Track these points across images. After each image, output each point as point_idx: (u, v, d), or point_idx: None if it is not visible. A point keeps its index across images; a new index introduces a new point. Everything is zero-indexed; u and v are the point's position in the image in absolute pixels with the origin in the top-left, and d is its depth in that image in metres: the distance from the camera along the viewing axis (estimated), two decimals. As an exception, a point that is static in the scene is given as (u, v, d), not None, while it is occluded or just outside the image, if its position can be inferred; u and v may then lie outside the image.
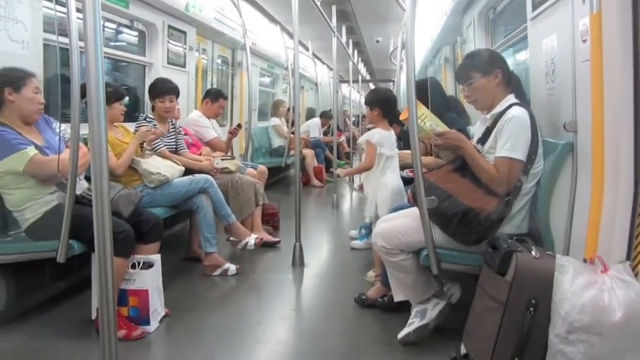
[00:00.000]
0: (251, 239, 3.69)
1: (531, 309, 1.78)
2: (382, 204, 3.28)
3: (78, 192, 2.54)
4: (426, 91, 2.40)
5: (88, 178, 2.83)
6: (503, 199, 2.21)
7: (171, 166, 3.50)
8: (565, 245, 2.10)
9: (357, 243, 4.17)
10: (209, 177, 3.54)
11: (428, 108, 2.41)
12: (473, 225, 2.19)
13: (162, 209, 3.36)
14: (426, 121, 2.42)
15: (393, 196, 3.31)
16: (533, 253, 1.89)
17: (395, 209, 3.13)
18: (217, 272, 3.47)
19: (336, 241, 4.63)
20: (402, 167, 3.56)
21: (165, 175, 3.38)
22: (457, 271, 2.36)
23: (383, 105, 3.39)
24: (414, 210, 2.39)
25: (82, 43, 2.01)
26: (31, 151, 2.47)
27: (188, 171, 3.67)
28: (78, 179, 2.57)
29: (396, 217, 2.66)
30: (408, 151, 3.50)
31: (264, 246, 4.11)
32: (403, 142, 4.12)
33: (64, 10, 2.14)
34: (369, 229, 3.94)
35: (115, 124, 3.34)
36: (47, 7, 2.98)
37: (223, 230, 3.76)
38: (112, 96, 3.18)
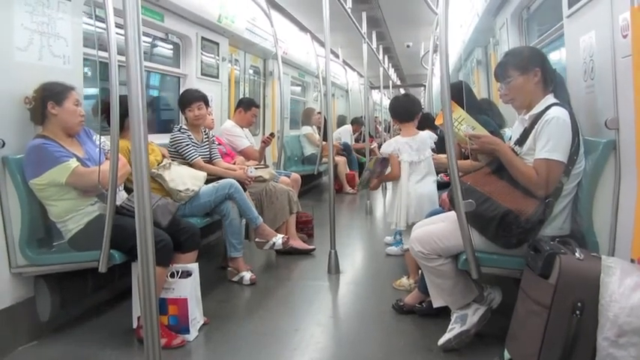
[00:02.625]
0: (278, 239, 3.70)
1: (577, 312, 1.74)
2: (413, 211, 3.22)
3: (118, 202, 2.60)
4: (459, 93, 2.38)
5: (127, 189, 2.90)
6: (544, 200, 2.17)
7: (195, 177, 3.48)
8: (610, 246, 2.05)
9: (393, 249, 4.14)
10: (233, 182, 3.53)
11: (463, 109, 2.39)
12: (513, 227, 2.16)
13: (198, 218, 3.40)
14: (463, 123, 2.40)
15: (423, 202, 3.22)
16: (577, 254, 1.84)
17: (429, 214, 3.11)
18: (235, 278, 3.52)
19: (370, 247, 4.61)
20: (437, 172, 3.53)
21: (194, 189, 3.38)
22: (497, 275, 2.33)
23: (399, 113, 3.38)
24: (451, 214, 2.37)
25: (120, 57, 2.08)
26: (73, 163, 2.54)
27: (221, 179, 3.70)
28: (118, 190, 2.64)
29: (432, 221, 2.64)
30: (443, 155, 3.46)
31: (299, 254, 4.14)
32: (438, 145, 4.10)
33: (104, 25, 2.21)
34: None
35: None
36: (87, 24, 3.08)
37: (253, 235, 3.76)
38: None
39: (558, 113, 2.17)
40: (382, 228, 5.37)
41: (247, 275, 3.50)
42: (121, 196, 2.80)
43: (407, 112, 3.37)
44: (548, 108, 2.23)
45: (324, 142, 7.08)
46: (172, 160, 3.54)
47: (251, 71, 6.74)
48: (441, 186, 3.56)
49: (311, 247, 4.26)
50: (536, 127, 2.22)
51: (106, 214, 2.32)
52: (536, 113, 2.27)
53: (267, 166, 4.48)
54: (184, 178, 3.42)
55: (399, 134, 3.46)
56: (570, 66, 2.52)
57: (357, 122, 9.86)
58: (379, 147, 10.17)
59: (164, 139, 3.95)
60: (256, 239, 3.75)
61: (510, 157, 2.26)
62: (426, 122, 4.21)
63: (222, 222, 3.53)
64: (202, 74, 4.91)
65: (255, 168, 4.11)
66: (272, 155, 6.58)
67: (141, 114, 1.63)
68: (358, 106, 12.28)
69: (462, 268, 2.32)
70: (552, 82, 2.33)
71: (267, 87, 7.09)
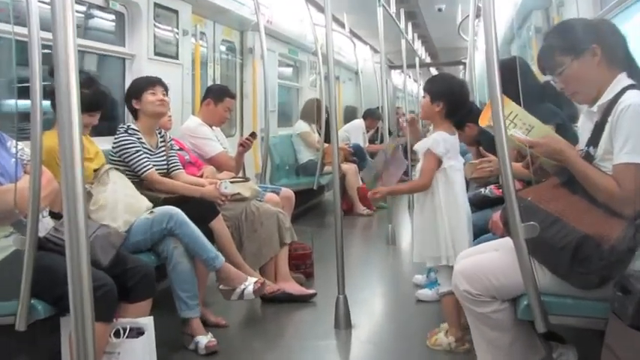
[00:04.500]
0: (249, 285, 3.61)
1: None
2: (459, 237, 3.22)
3: (41, 234, 2.58)
4: (512, 75, 2.38)
5: (54, 215, 2.89)
6: (633, 221, 2.16)
7: (131, 208, 3.43)
8: None
9: (426, 293, 4.14)
10: (174, 210, 3.45)
11: (518, 102, 2.39)
12: (592, 260, 2.15)
13: (152, 254, 3.40)
14: (516, 121, 2.39)
15: (469, 224, 3.28)
16: (683, 296, 1.83)
17: (477, 240, 3.11)
18: (191, 346, 3.41)
19: (394, 290, 4.60)
20: (485, 183, 3.52)
21: (124, 230, 3.31)
22: (572, 327, 2.32)
23: (450, 99, 3.34)
24: (507, 241, 2.36)
25: (44, 34, 2.09)
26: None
27: (184, 200, 3.70)
28: (41, 216, 2.63)
29: (482, 250, 2.64)
30: (489, 158, 3.46)
31: (294, 301, 4.13)
32: (485, 146, 4.10)
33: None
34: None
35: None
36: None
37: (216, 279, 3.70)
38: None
39: (636, 99, 2.18)
40: (410, 263, 5.34)
41: (203, 341, 3.37)
42: (46, 224, 2.79)
43: (464, 105, 3.42)
44: (621, 93, 2.23)
45: (326, 145, 7.09)
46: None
47: (223, 48, 6.78)
48: (491, 202, 3.56)
49: (310, 291, 4.25)
50: (610, 119, 2.22)
51: (25, 250, 2.31)
52: (607, 102, 2.27)
53: (247, 179, 4.49)
54: (117, 209, 3.36)
55: (428, 130, 3.47)
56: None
57: (371, 115, 9.90)
58: (404, 149, 10.21)
59: (104, 144, 3.95)
60: (220, 286, 3.67)
61: (581, 167, 2.27)
62: (468, 115, 4.22)
63: (166, 268, 3.44)
64: (156, 54, 4.93)
65: (231, 182, 4.12)
66: (254, 164, 6.58)
67: (74, 110, 1.64)
68: (373, 93, 12.29)
69: (522, 318, 2.31)
70: (623, 57, 2.33)
71: (245, 69, 7.14)
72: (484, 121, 2.44)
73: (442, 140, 3.28)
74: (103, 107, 3.50)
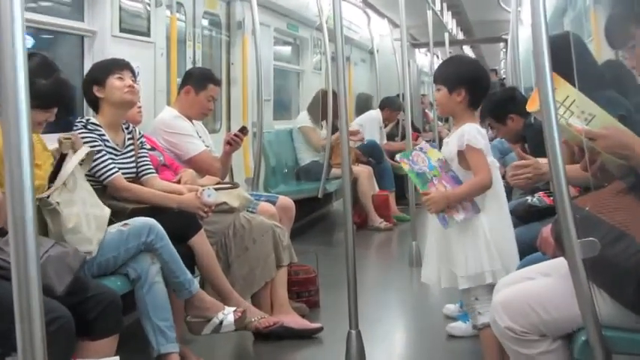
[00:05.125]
0: (227, 315, 3.62)
1: None
2: (506, 248, 3.23)
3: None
4: (564, 55, 2.38)
5: (-2, 231, 2.91)
6: None
7: (96, 217, 3.39)
8: None
9: (459, 326, 4.15)
10: (152, 221, 3.47)
11: (573, 84, 2.39)
12: (667, 286, 2.15)
13: (119, 279, 3.39)
14: (573, 108, 2.39)
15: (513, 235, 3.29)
16: None
17: (522, 263, 3.10)
18: None
19: (419, 323, 4.60)
20: (533, 189, 3.52)
21: (96, 247, 3.29)
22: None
23: (472, 84, 3.34)
24: (559, 262, 2.36)
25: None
26: None
27: (158, 211, 3.70)
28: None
29: (527, 275, 2.65)
30: (539, 160, 3.45)
31: (295, 337, 4.13)
32: (531, 144, 4.10)
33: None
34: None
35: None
36: None
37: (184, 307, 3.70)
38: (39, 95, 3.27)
39: None
40: (440, 290, 5.34)
41: None
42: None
43: (485, 91, 3.45)
44: None
45: (333, 139, 7.03)
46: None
47: (206, 22, 6.78)
48: (541, 214, 3.56)
49: (315, 325, 4.25)
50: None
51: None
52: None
53: (235, 186, 4.50)
54: (90, 226, 3.32)
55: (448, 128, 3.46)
56: None
57: (390, 106, 9.88)
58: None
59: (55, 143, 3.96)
60: (188, 317, 3.67)
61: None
62: (511, 104, 4.23)
63: (135, 292, 3.42)
64: (122, 30, 4.93)
65: (216, 189, 4.12)
66: (244, 166, 6.59)
67: (21, 100, 1.64)
68: (392, 77, 12.28)
69: (579, 358, 2.31)
70: None
71: (233, 49, 7.14)
72: (533, 105, 2.44)
73: (477, 132, 3.29)
74: (64, 102, 3.48)
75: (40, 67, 3.14)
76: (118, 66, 3.89)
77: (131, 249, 3.38)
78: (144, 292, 3.38)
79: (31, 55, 1.79)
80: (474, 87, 3.34)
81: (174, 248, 3.49)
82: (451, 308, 4.41)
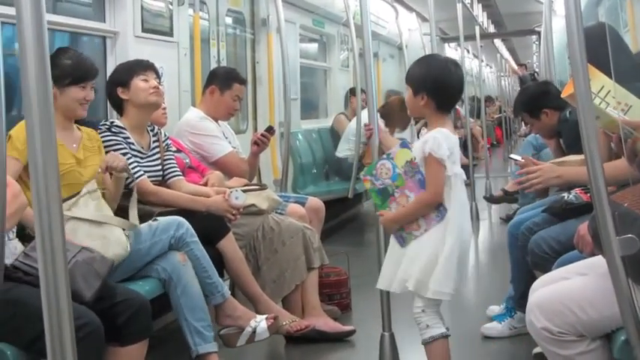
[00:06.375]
0: (260, 322, 3.61)
1: None
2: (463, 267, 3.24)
3: (8, 261, 2.61)
4: (599, 46, 2.35)
5: (23, 237, 2.91)
6: None
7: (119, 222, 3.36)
8: None
9: (494, 327, 4.12)
10: (182, 219, 3.48)
11: (609, 76, 2.37)
12: None
13: (147, 282, 3.39)
14: (609, 99, 2.37)
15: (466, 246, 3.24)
16: None
17: (560, 262, 3.06)
18: None
19: (455, 324, 4.54)
20: (570, 186, 3.48)
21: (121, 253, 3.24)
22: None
23: (433, 87, 3.20)
24: (597, 261, 2.35)
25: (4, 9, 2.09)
26: None
27: (185, 214, 3.68)
28: (7, 238, 2.64)
29: (565, 275, 2.63)
30: (576, 157, 3.41)
31: (327, 341, 4.12)
32: (566, 139, 4.06)
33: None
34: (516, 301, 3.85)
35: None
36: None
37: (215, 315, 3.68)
38: (67, 73, 3.30)
39: None
40: (480, 289, 5.30)
41: None
42: (12, 248, 2.81)
43: (456, 91, 3.33)
44: None
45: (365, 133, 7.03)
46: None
47: (229, 20, 6.80)
48: (574, 211, 3.53)
49: (347, 327, 4.25)
50: None
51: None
52: None
53: (263, 187, 4.50)
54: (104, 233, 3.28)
55: (424, 127, 3.39)
56: None
57: (419, 103, 9.87)
58: (464, 145, 10.16)
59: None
60: (222, 331, 3.66)
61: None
62: (545, 98, 4.19)
63: (169, 294, 3.42)
64: (145, 30, 4.94)
65: (244, 191, 4.11)
66: (272, 167, 6.59)
67: (47, 99, 1.62)
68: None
69: (619, 359, 2.29)
70: None
71: (258, 47, 7.15)
72: (567, 91, 2.41)
73: (443, 139, 3.15)
74: (92, 73, 3.46)
75: (58, 51, 3.37)
76: (142, 67, 3.91)
77: (157, 244, 3.39)
78: (178, 293, 3.39)
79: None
80: (437, 92, 3.20)
81: (204, 251, 3.51)
82: (495, 310, 4.36)
